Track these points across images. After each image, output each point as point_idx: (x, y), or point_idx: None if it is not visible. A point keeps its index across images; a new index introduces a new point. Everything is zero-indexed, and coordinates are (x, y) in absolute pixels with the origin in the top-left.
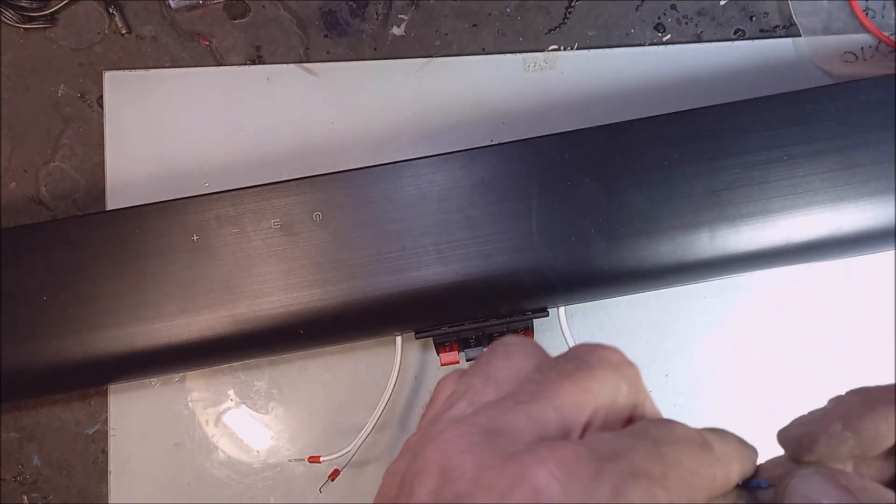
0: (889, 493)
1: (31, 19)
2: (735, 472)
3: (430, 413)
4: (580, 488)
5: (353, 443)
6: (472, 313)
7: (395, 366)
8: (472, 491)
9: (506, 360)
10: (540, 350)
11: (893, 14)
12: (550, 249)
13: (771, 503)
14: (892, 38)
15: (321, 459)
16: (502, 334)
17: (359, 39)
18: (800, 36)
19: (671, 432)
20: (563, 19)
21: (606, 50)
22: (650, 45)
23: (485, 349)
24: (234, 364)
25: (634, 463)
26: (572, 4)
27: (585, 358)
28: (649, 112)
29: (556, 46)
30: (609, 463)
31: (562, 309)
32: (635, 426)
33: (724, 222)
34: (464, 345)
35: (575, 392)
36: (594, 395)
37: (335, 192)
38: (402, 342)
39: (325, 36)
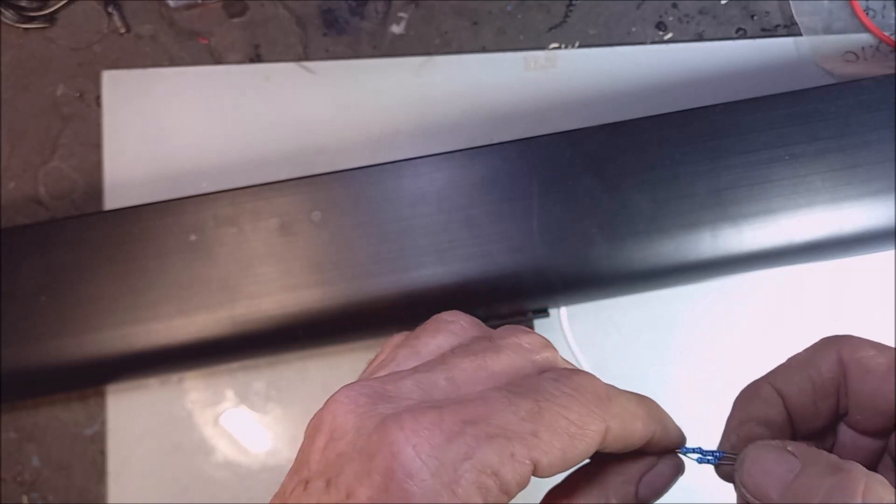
0: (834, 458)
1: (31, 19)
2: (639, 430)
3: (364, 372)
4: (432, 451)
5: None
6: (473, 313)
7: None
8: (348, 452)
9: (433, 337)
10: (469, 328)
11: (894, 14)
12: (551, 249)
13: (730, 472)
14: (893, 37)
15: None
16: None
17: (358, 38)
18: (801, 35)
19: (567, 384)
20: (564, 17)
21: (608, 48)
22: (651, 43)
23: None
24: (233, 365)
25: (500, 423)
26: (573, 2)
27: (498, 342)
28: (651, 111)
29: (557, 45)
30: (471, 425)
31: (563, 309)
32: (530, 378)
33: (726, 222)
34: None
35: (472, 369)
36: (490, 374)
37: (334, 192)
38: None
39: (325, 34)
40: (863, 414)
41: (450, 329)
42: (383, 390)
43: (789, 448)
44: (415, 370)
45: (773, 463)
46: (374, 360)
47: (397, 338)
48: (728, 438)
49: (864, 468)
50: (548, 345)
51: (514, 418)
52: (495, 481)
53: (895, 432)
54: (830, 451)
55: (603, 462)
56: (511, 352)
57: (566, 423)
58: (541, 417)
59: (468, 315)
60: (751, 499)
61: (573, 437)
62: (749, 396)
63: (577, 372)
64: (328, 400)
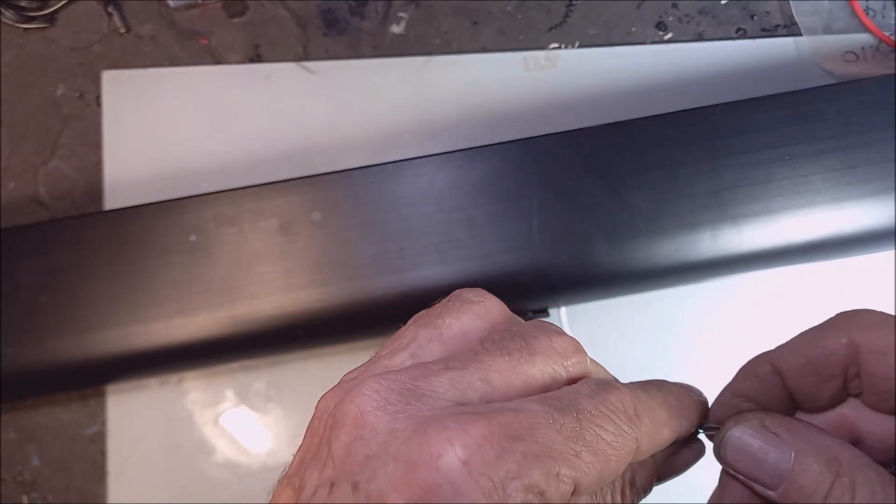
0: (820, 433)
1: (31, 19)
2: (666, 436)
3: (379, 352)
4: (483, 469)
5: None
6: None
7: None
8: (380, 455)
9: (457, 318)
10: (496, 311)
11: (894, 14)
12: (551, 249)
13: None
14: (893, 37)
15: None
16: None
17: (358, 38)
18: (801, 35)
19: (603, 402)
20: (564, 17)
21: (608, 48)
22: (651, 43)
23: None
24: (233, 365)
25: (546, 441)
26: (573, 2)
27: (531, 341)
28: (651, 111)
29: (557, 45)
30: (519, 442)
31: (563, 309)
32: (568, 392)
33: (726, 222)
34: None
35: (507, 371)
36: (525, 378)
37: (334, 192)
38: None
39: (325, 34)
40: (879, 396)
41: (475, 311)
42: (415, 387)
43: (773, 428)
44: (446, 366)
45: (759, 448)
46: (393, 336)
47: (420, 316)
48: (714, 413)
49: (859, 458)
50: (578, 348)
51: (559, 437)
52: (540, 500)
53: None
54: (842, 428)
55: None
56: (545, 357)
57: (604, 444)
58: (582, 438)
59: (493, 296)
60: (740, 478)
61: (608, 458)
62: (746, 373)
63: (610, 388)
64: (349, 389)
